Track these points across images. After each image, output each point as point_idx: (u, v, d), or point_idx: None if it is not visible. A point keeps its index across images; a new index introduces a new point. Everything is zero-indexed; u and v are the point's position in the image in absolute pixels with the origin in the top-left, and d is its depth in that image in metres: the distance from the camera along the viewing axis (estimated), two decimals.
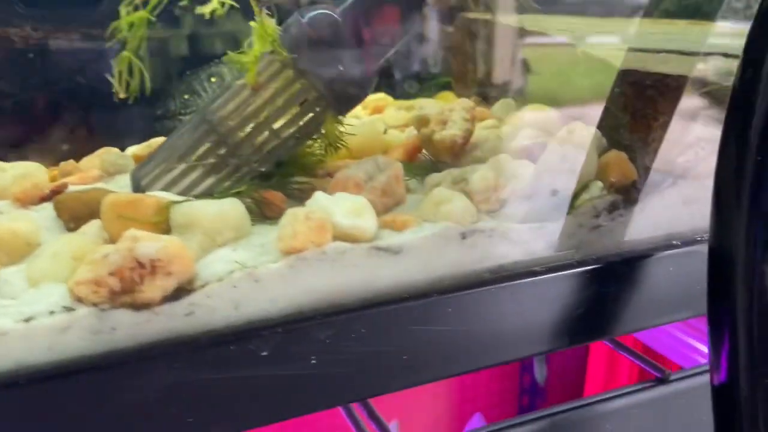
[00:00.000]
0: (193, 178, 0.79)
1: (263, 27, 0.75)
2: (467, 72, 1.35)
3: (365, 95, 0.85)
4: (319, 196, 0.72)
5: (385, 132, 1.05)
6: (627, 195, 0.83)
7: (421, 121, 0.92)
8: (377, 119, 1.05)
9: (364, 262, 0.71)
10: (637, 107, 0.82)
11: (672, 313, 0.83)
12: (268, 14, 0.80)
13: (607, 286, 0.81)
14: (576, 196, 0.82)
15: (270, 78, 0.78)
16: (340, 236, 0.71)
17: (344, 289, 0.71)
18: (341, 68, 0.78)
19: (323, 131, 0.83)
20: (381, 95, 1.31)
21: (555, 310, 0.79)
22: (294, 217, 0.68)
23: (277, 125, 0.79)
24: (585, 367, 2.53)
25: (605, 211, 0.82)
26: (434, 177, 0.82)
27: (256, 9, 0.75)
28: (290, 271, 0.68)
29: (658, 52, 0.94)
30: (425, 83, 1.40)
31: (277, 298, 0.68)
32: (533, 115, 1.00)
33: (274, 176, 0.83)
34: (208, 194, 0.78)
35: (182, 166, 0.78)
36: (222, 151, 0.78)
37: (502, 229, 0.78)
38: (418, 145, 0.94)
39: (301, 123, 0.81)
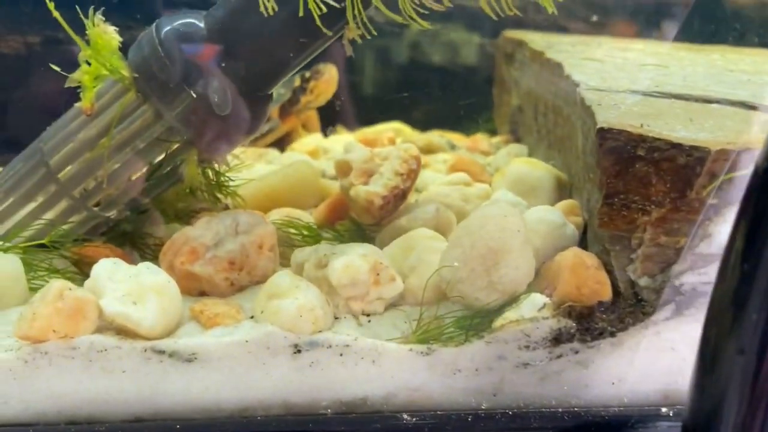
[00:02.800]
0: (23, 215, 0.64)
1: (100, 37, 0.58)
2: (503, 102, 1.07)
3: (250, 130, 0.64)
4: (99, 266, 0.53)
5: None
6: (589, 322, 0.53)
7: (343, 169, 0.69)
8: (306, 160, 0.83)
9: (137, 368, 0.51)
10: (616, 189, 0.52)
11: None
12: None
13: None
14: (496, 311, 0.54)
15: (109, 103, 0.61)
16: (111, 327, 0.52)
17: (109, 400, 0.52)
18: (195, 95, 0.58)
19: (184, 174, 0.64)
20: (394, 125, 1.08)
21: None
22: (45, 292, 0.51)
23: (119, 162, 0.62)
24: None
25: (546, 342, 0.53)
26: (303, 253, 0.59)
27: (92, 16, 0.58)
28: (25, 367, 0.50)
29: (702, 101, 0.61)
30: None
31: (9, 399, 0.51)
32: (519, 171, 0.71)
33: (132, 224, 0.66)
34: (39, 238, 0.63)
35: (10, 200, 0.64)
36: (52, 188, 0.63)
37: (364, 346, 0.52)
38: (342, 200, 0.71)
39: (151, 161, 0.63)
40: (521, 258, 0.52)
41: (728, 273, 0.40)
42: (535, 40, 0.90)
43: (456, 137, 1.08)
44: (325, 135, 1.06)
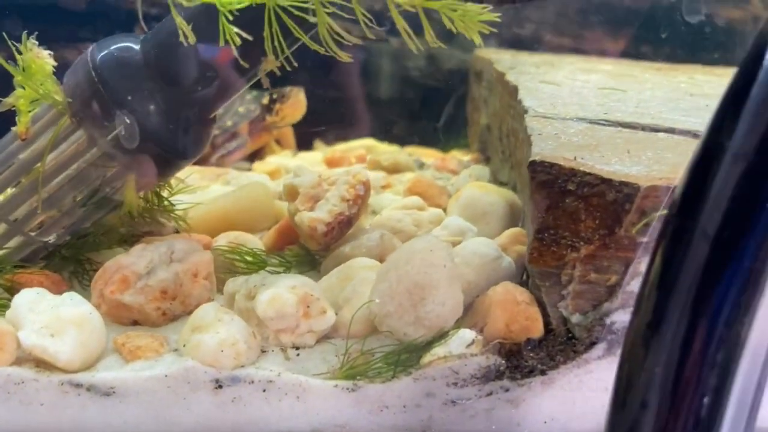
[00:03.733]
0: None
1: (33, 61, 0.58)
2: (474, 121, 1.05)
3: (189, 154, 0.63)
4: (20, 296, 0.52)
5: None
6: (518, 360, 0.52)
7: (291, 194, 0.68)
8: (262, 182, 0.82)
9: (55, 401, 0.50)
10: (546, 224, 0.50)
11: None
12: None
13: None
14: (425, 347, 0.52)
15: (45, 128, 0.60)
16: (30, 359, 0.51)
17: None
18: (128, 120, 0.58)
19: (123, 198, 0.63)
20: (366, 141, 1.07)
21: None
22: None
23: (56, 187, 0.61)
24: None
25: (475, 379, 0.51)
26: (235, 283, 0.58)
27: (26, 40, 0.57)
28: None
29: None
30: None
31: None
32: (472, 195, 0.69)
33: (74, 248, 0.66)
34: None
35: None
36: None
37: (288, 382, 0.51)
38: (290, 225, 0.70)
39: (89, 187, 0.62)
40: (448, 293, 0.51)
41: (637, 320, 0.38)
42: (504, 59, 0.88)
43: (430, 154, 1.06)
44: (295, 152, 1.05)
